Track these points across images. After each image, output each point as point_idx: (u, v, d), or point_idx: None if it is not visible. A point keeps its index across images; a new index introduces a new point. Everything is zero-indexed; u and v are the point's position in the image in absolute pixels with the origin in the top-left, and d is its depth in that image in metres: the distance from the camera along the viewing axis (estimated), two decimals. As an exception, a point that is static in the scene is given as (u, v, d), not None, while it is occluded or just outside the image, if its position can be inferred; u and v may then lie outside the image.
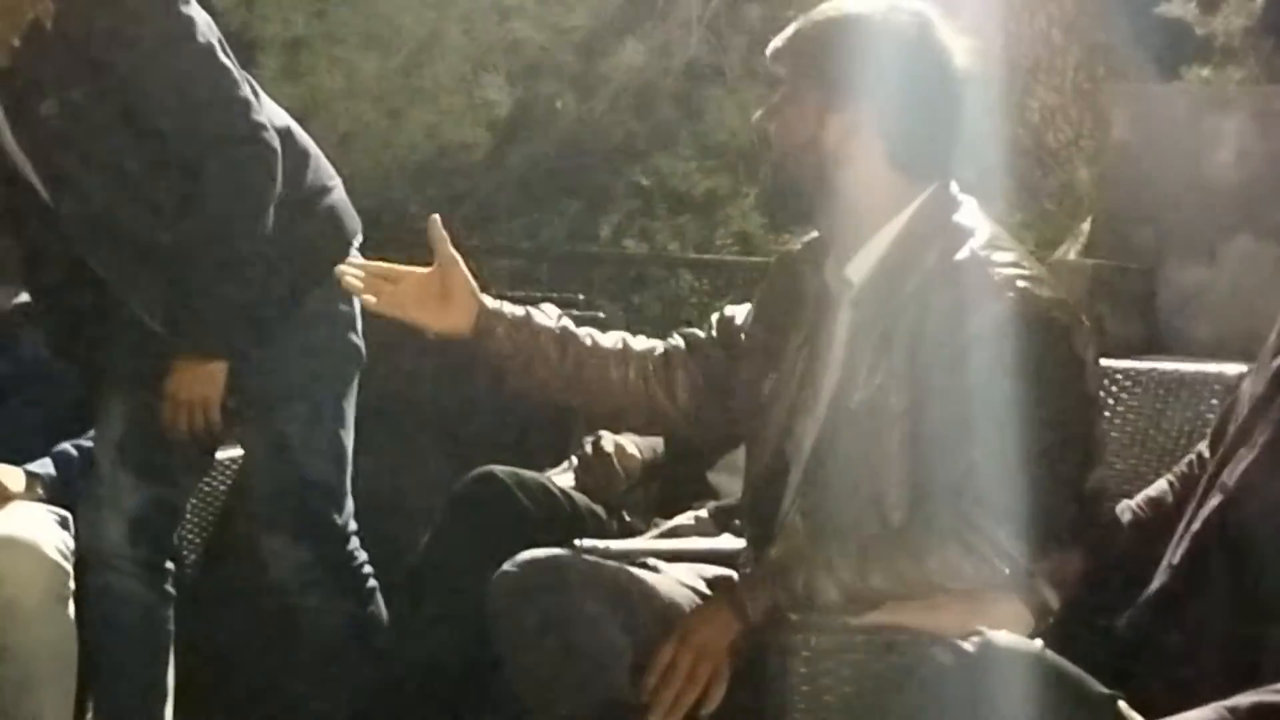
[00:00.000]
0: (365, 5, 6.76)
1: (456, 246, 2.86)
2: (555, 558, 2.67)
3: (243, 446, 3.43)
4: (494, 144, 7.06)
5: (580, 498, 3.34)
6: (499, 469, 3.26)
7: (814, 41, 2.55)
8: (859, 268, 2.55)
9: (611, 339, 2.87)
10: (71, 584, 3.31)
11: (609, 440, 3.50)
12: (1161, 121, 5.16)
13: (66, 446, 3.52)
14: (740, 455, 3.25)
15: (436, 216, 2.78)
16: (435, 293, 2.76)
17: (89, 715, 3.39)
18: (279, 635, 3.39)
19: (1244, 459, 2.23)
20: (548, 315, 2.87)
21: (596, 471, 3.46)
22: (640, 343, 2.89)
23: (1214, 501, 2.23)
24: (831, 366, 2.57)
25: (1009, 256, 2.44)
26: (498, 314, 2.82)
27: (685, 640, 2.44)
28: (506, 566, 2.67)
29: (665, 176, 7.07)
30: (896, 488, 2.40)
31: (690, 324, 6.48)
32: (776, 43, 2.61)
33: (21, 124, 3.13)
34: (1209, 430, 2.48)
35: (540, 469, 3.43)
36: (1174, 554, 2.25)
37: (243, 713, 3.74)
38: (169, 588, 3.34)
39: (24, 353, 3.63)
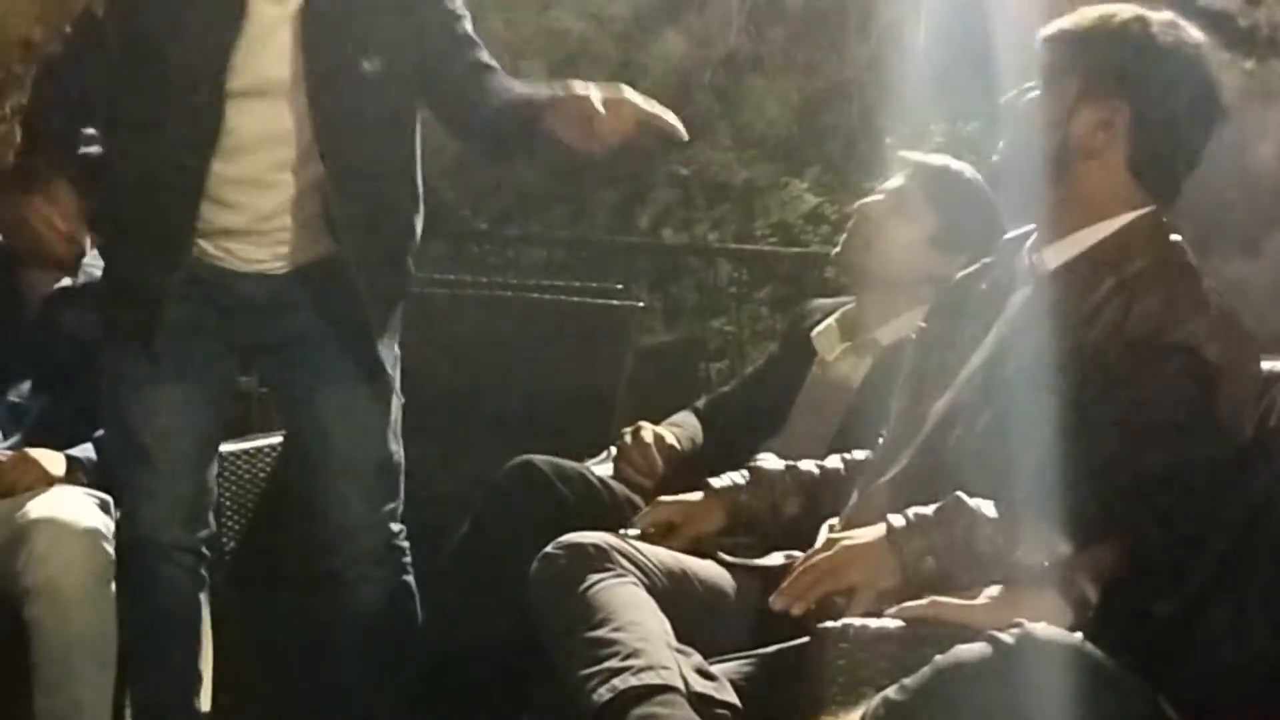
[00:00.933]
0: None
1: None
2: (596, 542, 2.68)
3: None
4: (533, 133, 7.06)
5: (619, 487, 3.35)
6: (538, 458, 3.28)
7: (1087, 33, 2.57)
8: (1058, 254, 2.56)
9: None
10: (113, 567, 3.33)
11: (648, 430, 3.51)
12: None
13: (108, 430, 3.55)
14: (782, 443, 3.27)
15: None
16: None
17: (126, 700, 3.40)
18: (321, 624, 3.39)
19: None
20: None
21: (636, 461, 3.47)
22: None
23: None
24: (993, 337, 2.58)
25: (1211, 283, 2.49)
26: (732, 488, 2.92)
27: (840, 552, 2.41)
28: (549, 549, 2.68)
29: (704, 166, 7.07)
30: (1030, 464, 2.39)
31: (726, 314, 6.47)
32: (1049, 29, 2.64)
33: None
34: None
35: (580, 459, 3.45)
36: (1218, 539, 2.24)
37: (282, 700, 3.75)
38: (205, 572, 3.34)
39: (65, 336, 3.67)
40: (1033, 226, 2.64)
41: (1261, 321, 4.88)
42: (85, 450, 3.53)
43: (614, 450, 3.54)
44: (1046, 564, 2.28)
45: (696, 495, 2.96)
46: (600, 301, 4.55)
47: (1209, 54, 2.57)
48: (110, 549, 3.34)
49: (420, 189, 3.28)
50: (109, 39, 3.14)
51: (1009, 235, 2.72)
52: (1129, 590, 2.27)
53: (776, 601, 2.40)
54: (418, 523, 3.44)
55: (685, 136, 3.02)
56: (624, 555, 2.67)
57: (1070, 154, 2.55)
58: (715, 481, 2.94)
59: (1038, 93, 2.62)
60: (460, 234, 6.82)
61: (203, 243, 3.18)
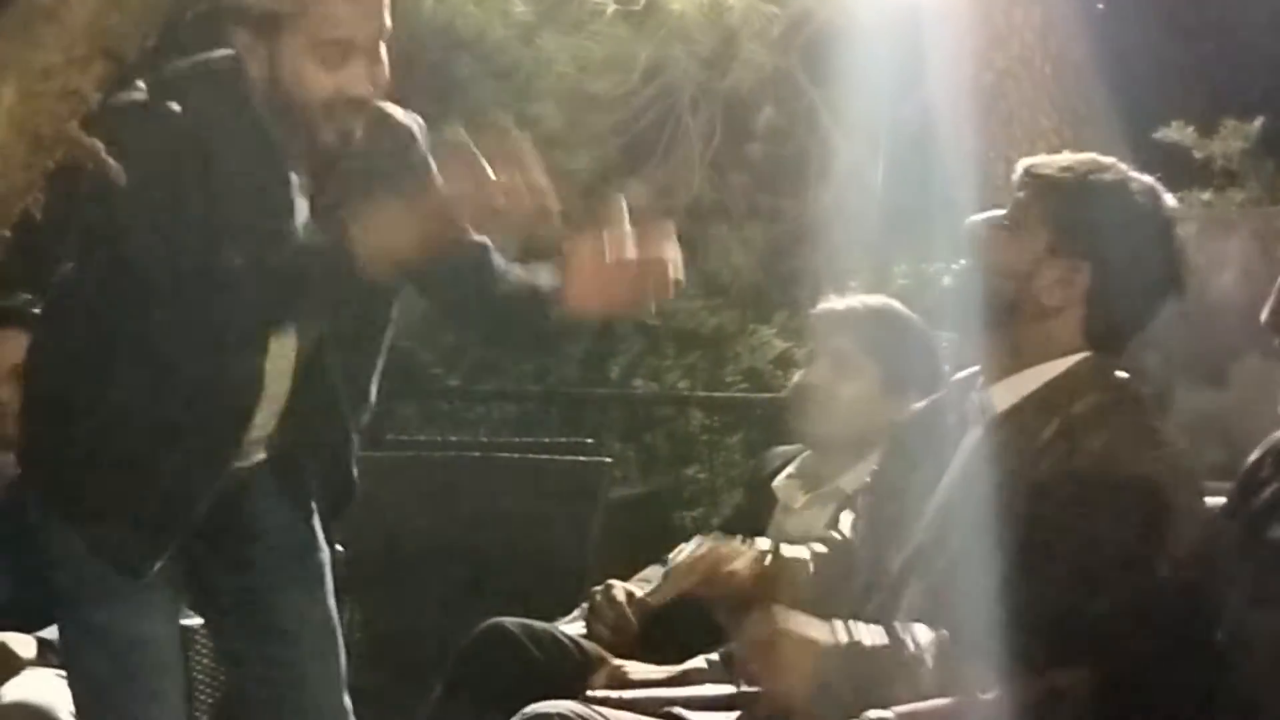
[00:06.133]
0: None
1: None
2: (563, 712, 2.69)
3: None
4: (501, 289, 7.11)
5: (591, 645, 3.35)
6: (508, 621, 3.29)
7: (1066, 184, 2.60)
8: (1006, 395, 2.58)
9: None
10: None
11: (620, 589, 3.51)
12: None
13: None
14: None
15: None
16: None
17: None
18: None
19: None
20: None
21: (608, 619, 3.47)
22: None
23: None
24: (947, 482, 2.60)
25: (1159, 423, 2.52)
26: None
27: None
28: (516, 721, 2.70)
29: (672, 315, 7.12)
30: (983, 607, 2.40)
31: (700, 461, 6.50)
32: (1032, 163, 2.67)
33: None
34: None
35: (552, 618, 3.45)
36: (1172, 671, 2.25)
37: None
38: None
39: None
40: (978, 368, 2.66)
41: (1230, 449, 4.94)
42: (54, 632, 3.51)
43: (586, 608, 3.54)
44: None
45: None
46: (569, 459, 4.57)
47: (1175, 217, 2.62)
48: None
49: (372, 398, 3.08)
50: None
51: (957, 377, 2.74)
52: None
53: None
54: (391, 687, 3.44)
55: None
56: None
57: (1028, 304, 2.58)
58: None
59: (1003, 221, 2.64)
60: (431, 392, 6.85)
61: None
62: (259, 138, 2.76)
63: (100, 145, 2.10)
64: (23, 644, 3.48)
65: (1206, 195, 5.84)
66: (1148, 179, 2.65)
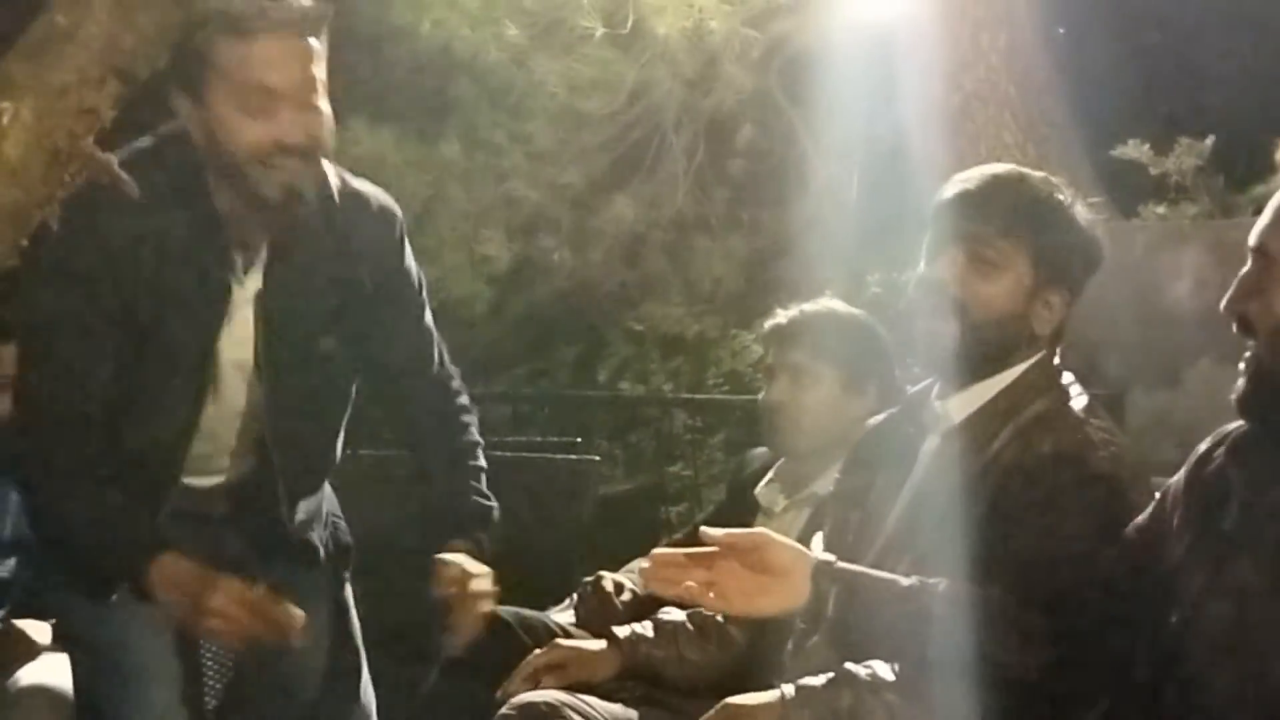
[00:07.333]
0: (371, 172, 6.85)
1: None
2: (549, 700, 2.70)
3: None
4: (495, 297, 7.14)
5: (580, 634, 3.35)
6: (503, 609, 3.28)
7: (1038, 212, 2.52)
8: (962, 406, 2.54)
9: None
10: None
11: (608, 580, 3.51)
12: (1123, 257, 5.21)
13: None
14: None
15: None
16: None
17: None
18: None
19: None
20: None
21: (595, 608, 3.47)
22: None
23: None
24: (909, 489, 2.57)
25: (1104, 422, 2.49)
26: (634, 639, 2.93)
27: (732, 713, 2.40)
28: (504, 710, 2.70)
29: (657, 322, 7.14)
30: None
31: (684, 460, 6.48)
32: (995, 188, 2.54)
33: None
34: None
35: (543, 607, 3.45)
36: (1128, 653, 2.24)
37: None
38: None
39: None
40: (933, 380, 2.63)
41: (1184, 447, 4.95)
42: (69, 620, 3.52)
43: (576, 597, 3.54)
44: None
45: (599, 643, 2.97)
46: (559, 457, 4.57)
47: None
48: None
49: (339, 449, 3.05)
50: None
51: (912, 390, 2.71)
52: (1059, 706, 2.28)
53: None
54: (393, 670, 3.43)
55: None
56: (575, 711, 2.68)
57: (1023, 339, 2.53)
58: (620, 631, 2.95)
59: (979, 263, 2.53)
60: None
61: None
62: (206, 217, 2.69)
63: (113, 160, 2.09)
64: (39, 630, 3.48)
65: (1161, 209, 5.85)
66: (1047, 177, 2.60)
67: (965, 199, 2.52)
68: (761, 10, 6.72)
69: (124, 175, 2.14)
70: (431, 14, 6.84)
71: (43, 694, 3.30)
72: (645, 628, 2.93)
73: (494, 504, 2.97)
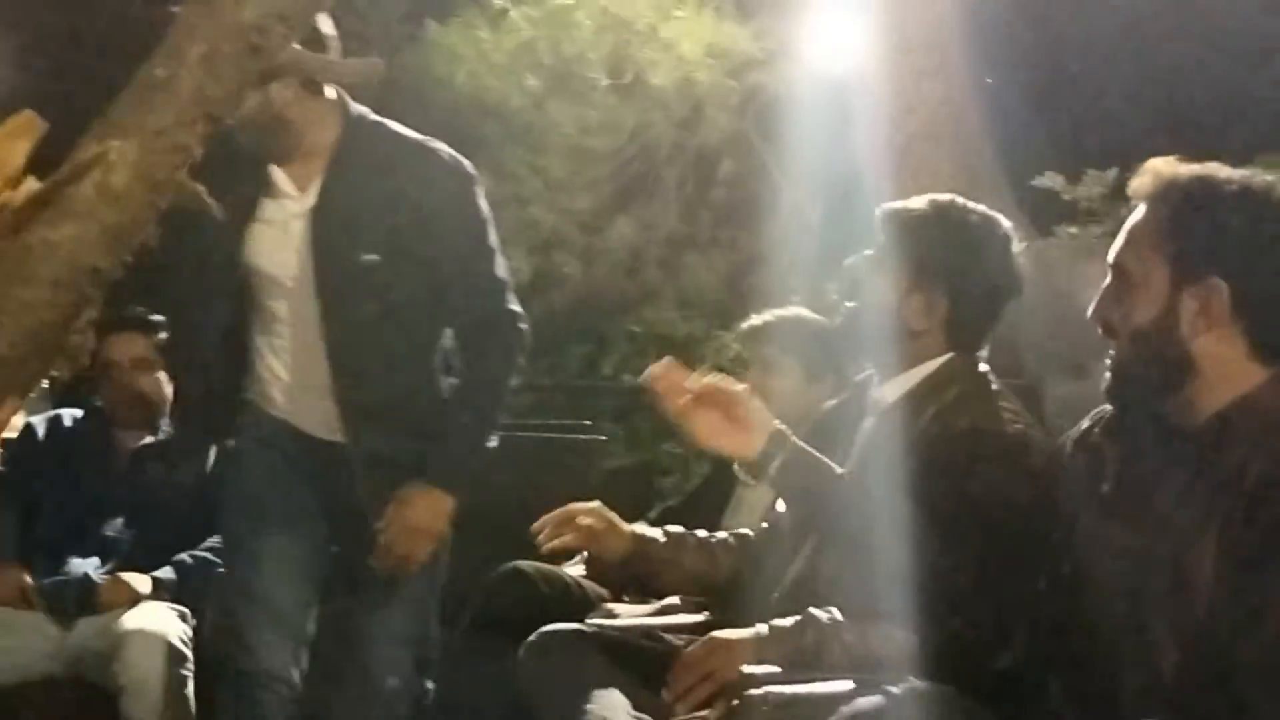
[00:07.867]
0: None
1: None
2: (569, 629, 2.69)
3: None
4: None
5: (590, 585, 3.35)
6: (524, 564, 3.28)
7: (916, 228, 2.49)
8: (893, 390, 2.53)
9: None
10: (191, 668, 3.29)
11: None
12: (1040, 269, 5.18)
13: (184, 556, 3.55)
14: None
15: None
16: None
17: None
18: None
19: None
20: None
21: (603, 564, 3.46)
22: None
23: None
24: (850, 461, 2.53)
25: (1014, 404, 2.46)
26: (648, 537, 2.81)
27: (713, 650, 2.35)
28: (533, 638, 2.70)
29: (653, 324, 7.13)
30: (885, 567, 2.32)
31: (674, 438, 6.44)
32: (887, 207, 2.53)
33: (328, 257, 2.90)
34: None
35: (558, 563, 3.45)
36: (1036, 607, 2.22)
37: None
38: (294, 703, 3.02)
39: (148, 482, 3.68)
40: (872, 370, 2.63)
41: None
42: (166, 572, 3.51)
43: (586, 554, 3.53)
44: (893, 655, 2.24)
45: (626, 526, 2.83)
46: (572, 436, 4.57)
47: (1014, 240, 2.54)
48: (190, 654, 3.31)
49: (435, 378, 2.99)
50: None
51: (859, 377, 2.70)
52: (976, 651, 2.26)
53: (667, 698, 2.33)
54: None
55: None
56: (589, 638, 2.68)
57: (900, 329, 2.51)
58: (639, 527, 2.87)
59: (872, 261, 2.54)
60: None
61: (261, 401, 3.03)
62: None
63: (203, 189, 2.10)
64: (141, 581, 3.47)
65: (1074, 229, 5.84)
66: (983, 208, 2.54)
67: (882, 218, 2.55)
68: (740, 64, 6.74)
69: (211, 201, 2.14)
70: (465, 66, 6.85)
71: (142, 635, 3.29)
72: (657, 533, 2.86)
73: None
